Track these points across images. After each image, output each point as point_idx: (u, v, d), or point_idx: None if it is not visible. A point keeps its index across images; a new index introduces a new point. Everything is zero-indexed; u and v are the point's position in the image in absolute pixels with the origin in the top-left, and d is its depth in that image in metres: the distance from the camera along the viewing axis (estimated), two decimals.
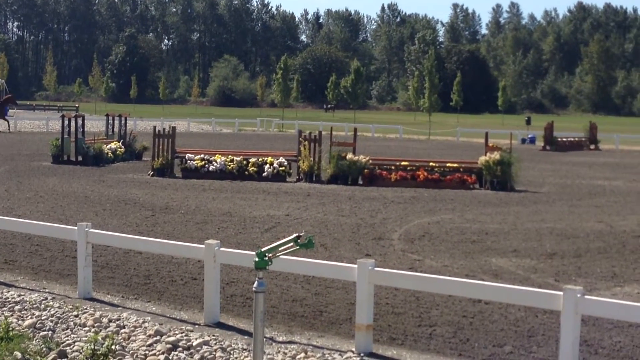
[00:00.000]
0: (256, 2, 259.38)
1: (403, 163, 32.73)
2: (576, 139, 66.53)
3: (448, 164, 32.56)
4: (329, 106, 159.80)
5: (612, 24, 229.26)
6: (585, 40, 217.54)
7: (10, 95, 72.46)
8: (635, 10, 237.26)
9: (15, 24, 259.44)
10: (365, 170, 31.72)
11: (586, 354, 10.40)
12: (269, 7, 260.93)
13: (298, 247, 8.72)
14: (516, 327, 11.69)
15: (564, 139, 64.92)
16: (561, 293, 9.23)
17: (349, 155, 32.03)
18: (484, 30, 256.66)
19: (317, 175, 32.22)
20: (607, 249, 18.52)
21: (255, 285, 8.60)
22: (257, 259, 8.76)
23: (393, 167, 32.18)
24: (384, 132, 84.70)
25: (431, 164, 32.56)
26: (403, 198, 27.49)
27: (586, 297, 9.19)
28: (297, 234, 8.77)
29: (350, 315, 11.82)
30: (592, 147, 64.88)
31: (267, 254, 8.77)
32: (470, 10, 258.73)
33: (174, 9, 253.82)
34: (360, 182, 31.66)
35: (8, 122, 67.01)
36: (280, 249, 8.83)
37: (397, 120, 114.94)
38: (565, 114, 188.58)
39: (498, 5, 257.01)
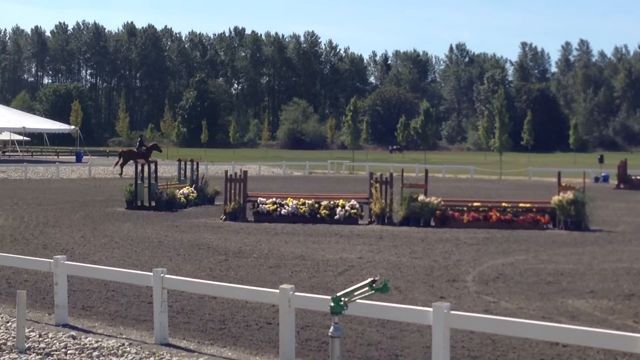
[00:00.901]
0: (324, 44, 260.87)
1: (475, 204, 32.55)
2: None
3: (520, 204, 32.30)
4: (395, 147, 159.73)
5: None
6: None
7: (155, 143, 75.99)
8: None
9: (89, 71, 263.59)
10: (437, 212, 31.60)
11: None
12: (337, 50, 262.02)
13: (373, 291, 8.72)
14: None
15: (639, 177, 64.07)
16: (639, 335, 9.11)
17: (421, 197, 31.95)
18: (553, 68, 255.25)
19: (389, 217, 32.15)
20: None
21: (331, 330, 8.61)
22: (332, 304, 8.78)
23: (465, 208, 32.01)
24: (455, 172, 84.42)
25: (503, 204, 32.33)
26: (476, 239, 27.33)
27: None
28: (372, 279, 8.77)
29: (426, 358, 11.76)
30: None
31: (342, 299, 8.78)
32: (539, 49, 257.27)
33: (243, 54, 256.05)
34: (433, 223, 31.54)
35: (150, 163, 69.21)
36: (355, 293, 8.84)
37: (467, 160, 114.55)
38: (639, 151, 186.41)
39: (567, 43, 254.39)
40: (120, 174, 68.24)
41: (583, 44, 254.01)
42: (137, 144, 71.13)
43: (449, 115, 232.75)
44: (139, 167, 38.71)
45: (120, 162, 69.06)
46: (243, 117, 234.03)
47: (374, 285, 8.77)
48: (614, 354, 12.14)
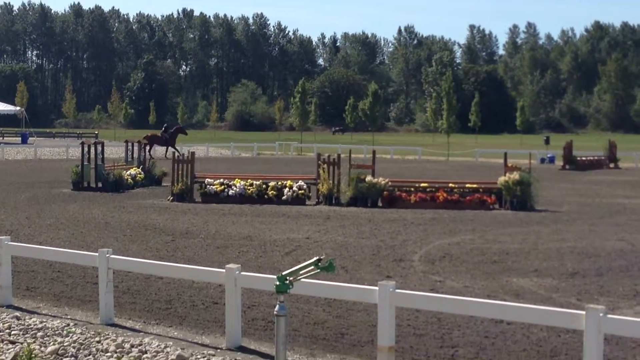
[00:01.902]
0: (273, 26, 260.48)
1: (422, 184, 32.68)
2: (595, 157, 66.32)
3: (467, 185, 32.50)
4: (337, 129, 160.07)
5: (629, 42, 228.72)
6: (602, 59, 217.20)
7: (180, 125, 76.36)
8: None
9: (35, 52, 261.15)
10: (385, 192, 31.70)
11: None
12: (286, 32, 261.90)
13: (319, 270, 8.72)
14: (538, 347, 11.65)
15: (584, 158, 64.72)
16: (584, 312, 9.20)
17: (368, 178, 32.01)
18: (501, 51, 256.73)
19: (337, 197, 32.20)
20: (629, 267, 18.45)
21: (276, 309, 8.61)
22: (278, 283, 8.77)
23: (412, 189, 32.13)
24: (403, 153, 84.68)
25: (450, 185, 32.51)
26: (423, 219, 27.46)
27: (609, 316, 9.16)
28: (318, 257, 8.78)
29: (372, 337, 11.81)
30: (612, 165, 64.66)
31: (288, 278, 8.78)
32: (487, 32, 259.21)
33: (192, 35, 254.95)
34: (380, 204, 31.64)
35: (177, 149, 69.33)
36: (301, 272, 8.84)
37: (415, 141, 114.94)
38: (584, 133, 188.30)
39: (515, 26, 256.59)
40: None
41: (530, 26, 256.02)
42: (163, 129, 71.51)
43: (397, 97, 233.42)
44: (85, 148, 38.41)
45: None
46: (191, 99, 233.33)
47: (319, 264, 8.77)
48: (557, 330, 12.26)
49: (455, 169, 60.38)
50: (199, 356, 10.91)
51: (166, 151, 69.37)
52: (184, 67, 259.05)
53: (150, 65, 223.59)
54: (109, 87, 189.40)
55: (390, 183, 32.23)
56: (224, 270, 11.92)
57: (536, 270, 17.86)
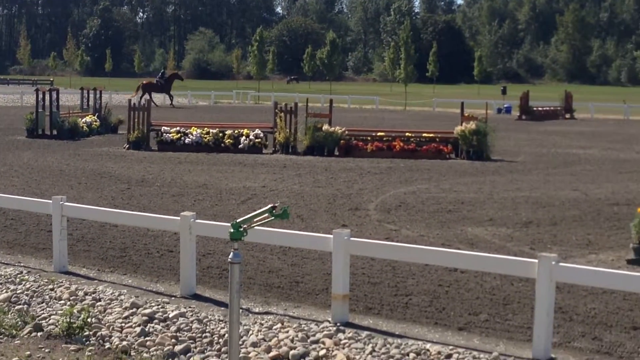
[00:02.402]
0: None
1: (379, 134, 32.73)
2: (552, 108, 66.71)
3: (424, 134, 32.58)
4: (292, 78, 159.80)
5: None
6: (560, 10, 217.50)
7: (176, 71, 76.71)
8: None
9: None
10: (342, 141, 31.71)
11: (561, 320, 10.45)
12: None
13: (273, 217, 8.70)
14: (492, 295, 11.73)
15: (540, 109, 65.07)
16: (536, 261, 9.26)
17: (325, 127, 31.99)
18: (459, 1, 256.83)
19: (293, 146, 32.18)
20: (582, 217, 18.60)
21: (230, 256, 8.57)
22: (232, 230, 8.74)
23: (369, 138, 32.17)
24: (360, 103, 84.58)
25: (407, 134, 32.57)
26: (379, 168, 27.51)
27: (561, 264, 9.23)
28: (272, 205, 8.75)
29: (326, 285, 11.83)
30: (568, 116, 65.07)
31: (242, 225, 8.75)
32: None
33: None
34: (337, 153, 31.66)
35: (172, 97, 71.44)
36: (255, 219, 8.81)
37: (373, 91, 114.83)
38: (541, 83, 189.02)
39: None
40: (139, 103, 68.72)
41: None
42: (159, 75, 71.83)
43: (355, 46, 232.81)
44: (40, 95, 38.03)
45: (140, 94, 68.23)
46: (148, 47, 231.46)
47: (274, 211, 8.73)
48: (510, 279, 12.35)
49: (413, 118, 60.47)
50: (153, 304, 10.88)
51: (170, 99, 71.07)
52: (140, 14, 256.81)
53: (106, 12, 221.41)
54: (65, 34, 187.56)
55: (347, 132, 32.25)
56: (178, 218, 11.87)
57: (491, 220, 17.97)
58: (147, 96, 65.85)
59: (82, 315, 9.89)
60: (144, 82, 72.42)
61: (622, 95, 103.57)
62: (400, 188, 22.87)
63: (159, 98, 73.31)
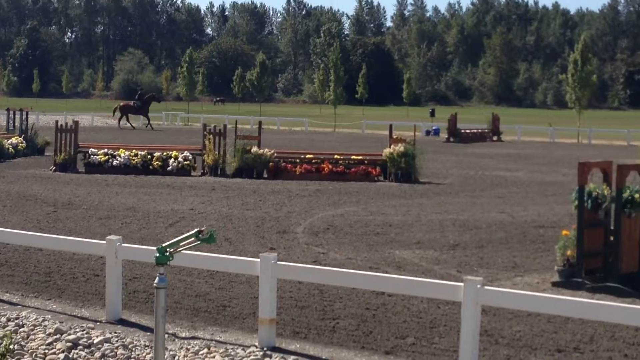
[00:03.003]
0: None
1: (308, 156, 32.78)
2: (479, 130, 67.32)
3: (353, 157, 32.70)
4: (218, 99, 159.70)
5: (514, 16, 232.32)
6: (488, 33, 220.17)
7: (154, 93, 76.82)
8: (536, 3, 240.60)
9: None
10: (270, 164, 31.69)
11: (487, 343, 10.52)
12: (174, 0, 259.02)
13: (199, 242, 8.66)
14: (418, 319, 11.78)
15: (467, 131, 65.63)
16: (462, 284, 9.33)
17: (254, 149, 31.97)
18: (389, 23, 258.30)
19: (222, 169, 32.11)
20: (508, 239, 18.79)
21: (156, 281, 8.53)
22: (157, 255, 8.69)
23: (298, 160, 32.21)
24: (290, 125, 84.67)
25: (336, 156, 32.66)
26: (308, 191, 27.54)
27: (486, 287, 9.31)
28: (198, 229, 8.72)
29: (254, 309, 11.79)
30: (495, 138, 65.70)
31: (168, 249, 8.70)
32: (375, 3, 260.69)
33: (77, 2, 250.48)
34: (265, 175, 31.64)
35: (149, 119, 70.98)
36: (181, 244, 8.76)
37: (302, 113, 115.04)
38: (469, 105, 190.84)
39: None
40: (119, 126, 70.18)
41: None
42: (136, 97, 71.63)
43: (285, 67, 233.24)
44: None
45: (117, 116, 70.72)
46: (77, 67, 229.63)
47: (200, 235, 8.70)
48: (437, 302, 12.41)
49: (342, 140, 60.68)
50: (77, 329, 10.76)
51: (148, 120, 70.91)
52: (69, 34, 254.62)
53: (34, 32, 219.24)
54: None
55: (275, 154, 32.26)
56: (104, 242, 11.77)
57: (418, 242, 18.07)
58: (118, 115, 68.65)
59: (4, 342, 9.73)
60: (121, 104, 73.69)
61: (548, 117, 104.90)
62: (329, 211, 22.91)
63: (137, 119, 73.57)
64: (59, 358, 9.68)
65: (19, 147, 39.20)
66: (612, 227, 14.25)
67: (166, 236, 17.43)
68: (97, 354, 9.80)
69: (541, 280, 14.53)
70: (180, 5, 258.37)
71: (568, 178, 32.80)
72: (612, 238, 14.20)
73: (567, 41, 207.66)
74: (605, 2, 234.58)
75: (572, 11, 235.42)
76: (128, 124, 70.50)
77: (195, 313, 11.98)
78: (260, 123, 35.81)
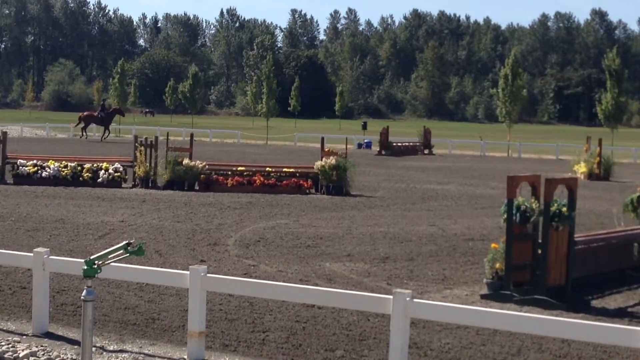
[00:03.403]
0: (93, 5, 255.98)
1: (240, 168, 32.72)
2: (411, 143, 67.71)
3: (284, 169, 32.72)
4: (147, 111, 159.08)
5: (446, 31, 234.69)
6: (420, 47, 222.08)
7: (119, 107, 75.78)
8: (468, 17, 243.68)
9: None
10: (202, 176, 31.58)
11: (416, 356, 10.58)
12: (106, 11, 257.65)
13: (128, 254, 8.61)
14: (348, 331, 11.81)
15: (399, 144, 65.96)
16: (391, 297, 9.37)
17: (186, 161, 31.83)
18: (322, 36, 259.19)
19: (153, 181, 31.92)
20: (438, 252, 18.91)
21: (84, 293, 8.46)
22: (85, 267, 8.62)
23: (230, 173, 32.13)
24: (222, 137, 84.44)
25: (268, 169, 32.65)
26: (239, 203, 27.48)
27: (415, 300, 9.36)
28: (127, 241, 8.67)
29: (183, 322, 11.73)
30: (426, 151, 66.11)
31: (96, 262, 8.64)
32: (308, 16, 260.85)
33: (7, 11, 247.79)
34: (197, 187, 31.52)
35: (109, 132, 70.26)
36: (110, 256, 8.71)
37: (235, 125, 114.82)
38: (401, 119, 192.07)
39: (336, 11, 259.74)
40: (81, 136, 69.89)
41: (351, 12, 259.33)
42: (100, 108, 71.03)
43: (218, 80, 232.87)
44: None
45: (81, 125, 70.30)
46: (6, 77, 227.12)
47: (129, 248, 8.66)
48: (367, 315, 12.45)
49: (274, 153, 60.67)
50: (3, 343, 10.62)
51: (105, 133, 70.08)
52: None
53: None
54: None
55: (207, 166, 32.15)
56: (31, 254, 11.63)
57: (349, 255, 18.11)
58: (82, 125, 68.92)
59: None
60: (85, 113, 73.23)
61: (479, 131, 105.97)
62: (260, 223, 22.89)
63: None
64: None
65: None
66: (540, 240, 14.41)
67: (95, 248, 17.26)
68: None
69: (470, 293, 14.65)
70: (113, 16, 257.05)
71: (498, 191, 33.14)
72: (539, 251, 14.35)
73: (498, 56, 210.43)
74: (535, 18, 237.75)
75: (503, 26, 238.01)
76: (85, 134, 70.06)
77: (124, 326, 11.88)
78: (192, 135, 35.63)
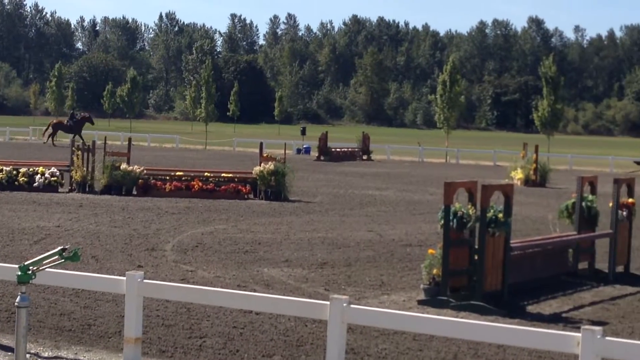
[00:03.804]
0: (30, 7, 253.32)
1: (178, 173, 32.61)
2: (349, 149, 67.87)
3: (223, 174, 32.65)
4: (73, 114, 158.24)
5: (385, 37, 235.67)
6: (359, 53, 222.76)
7: (88, 115, 74.11)
8: (407, 24, 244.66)
9: None
10: (140, 181, 31.40)
11: None
12: (44, 13, 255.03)
13: (63, 260, 8.55)
14: (286, 337, 11.81)
15: (338, 150, 66.10)
16: (328, 303, 9.37)
17: (123, 165, 31.64)
18: (261, 41, 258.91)
19: (91, 185, 31.68)
20: (376, 257, 18.98)
21: (18, 300, 8.38)
22: (19, 273, 8.54)
23: (168, 177, 31.98)
24: (161, 141, 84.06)
25: (206, 174, 32.57)
26: (177, 208, 27.37)
27: (352, 306, 9.36)
28: (62, 247, 8.61)
29: (119, 328, 11.65)
30: (365, 157, 66.25)
31: (30, 268, 8.56)
32: (248, 21, 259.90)
33: None
34: (135, 192, 31.33)
35: (82, 138, 67.55)
36: (45, 262, 8.64)
37: (174, 129, 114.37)
38: (340, 124, 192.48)
39: (275, 17, 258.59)
40: (52, 143, 68.03)
41: (290, 17, 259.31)
42: (69, 116, 70.32)
43: (157, 84, 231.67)
44: None
45: (49, 132, 69.57)
46: None
47: (64, 253, 8.60)
48: (304, 320, 12.46)
49: (213, 158, 60.49)
50: None
51: (72, 139, 68.01)
52: None
53: None
54: None
55: (145, 171, 31.99)
56: None
57: (287, 260, 18.12)
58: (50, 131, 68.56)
59: None
60: (55, 121, 72.84)
61: (417, 137, 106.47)
62: (198, 228, 22.81)
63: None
64: None
65: None
66: (476, 246, 14.53)
67: (31, 254, 17.09)
68: None
69: (407, 299, 14.72)
70: (50, 19, 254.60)
71: (435, 197, 33.32)
72: (476, 257, 14.47)
73: (437, 62, 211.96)
74: (473, 25, 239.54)
75: (442, 33, 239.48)
76: (51, 141, 69.11)
77: (59, 332, 11.78)
78: (130, 139, 35.50)
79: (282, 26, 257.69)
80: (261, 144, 35.95)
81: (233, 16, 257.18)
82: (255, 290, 14.33)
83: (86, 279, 11.35)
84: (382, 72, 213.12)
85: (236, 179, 32.10)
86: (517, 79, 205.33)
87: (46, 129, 71.39)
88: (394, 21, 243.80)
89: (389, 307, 13.58)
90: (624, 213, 18.10)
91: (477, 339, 9.94)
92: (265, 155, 33.33)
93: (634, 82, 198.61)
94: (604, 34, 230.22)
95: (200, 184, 31.41)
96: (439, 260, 14.43)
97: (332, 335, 9.31)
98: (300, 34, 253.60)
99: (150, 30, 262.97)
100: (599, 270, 17.70)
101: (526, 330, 8.98)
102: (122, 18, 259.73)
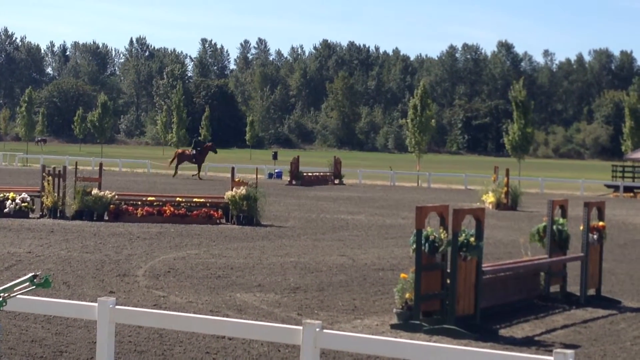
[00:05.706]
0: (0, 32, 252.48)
1: (150, 198, 32.50)
2: (321, 173, 67.89)
3: (195, 199, 32.58)
4: (39, 139, 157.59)
5: (355, 61, 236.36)
6: (330, 77, 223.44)
7: (210, 143, 72.68)
8: (377, 48, 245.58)
9: None
10: (111, 206, 31.29)
11: None
12: (13, 38, 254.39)
13: (34, 286, 8.50)
14: None
15: (310, 174, 66.11)
16: (300, 328, 9.36)
17: (95, 191, 31.51)
18: (232, 66, 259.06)
19: (62, 211, 31.51)
20: (348, 282, 18.99)
21: None
22: None
23: (139, 203, 31.88)
24: (132, 166, 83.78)
25: (178, 199, 32.49)
26: (149, 234, 27.29)
27: (325, 331, 9.36)
28: (33, 273, 8.56)
29: (91, 354, 11.60)
30: (337, 181, 66.27)
31: (1, 294, 8.51)
32: (218, 46, 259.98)
33: None
34: (106, 217, 31.21)
35: (200, 169, 68.09)
36: (15, 288, 8.58)
37: (145, 154, 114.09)
38: (312, 149, 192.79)
39: (246, 41, 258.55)
40: (174, 174, 66.74)
41: (261, 42, 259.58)
42: (192, 144, 69.84)
43: (127, 109, 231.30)
44: None
45: (175, 163, 68.01)
46: None
47: (35, 280, 8.55)
48: (277, 345, 12.44)
49: (184, 183, 60.30)
50: None
51: (198, 171, 68.16)
52: None
53: None
54: None
55: (117, 196, 31.88)
56: None
57: (260, 285, 18.09)
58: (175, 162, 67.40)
59: None
60: (179, 151, 71.93)
61: (388, 161, 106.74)
62: (170, 253, 22.75)
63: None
64: None
65: None
66: (448, 270, 14.56)
67: (1, 280, 16.98)
68: None
69: (380, 323, 14.73)
70: (20, 44, 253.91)
71: (407, 221, 33.38)
72: (448, 281, 14.50)
73: (408, 86, 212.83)
74: (443, 50, 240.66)
75: (412, 57, 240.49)
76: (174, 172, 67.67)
77: (31, 359, 11.70)
78: (101, 165, 35.35)
79: (253, 51, 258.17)
80: (233, 168, 35.92)
81: (204, 41, 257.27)
82: (227, 316, 14.30)
83: (58, 305, 11.28)
84: (353, 97, 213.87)
85: (208, 204, 32.05)
86: (487, 103, 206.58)
87: (172, 160, 69.36)
88: (364, 46, 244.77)
89: (362, 332, 13.59)
90: (595, 236, 18.21)
91: None
92: (237, 180, 33.30)
93: (603, 105, 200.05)
94: (572, 58, 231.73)
95: (172, 209, 31.34)
96: (412, 284, 14.45)
97: (305, 359, 9.29)
98: (271, 58, 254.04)
99: (121, 55, 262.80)
100: (571, 294, 17.80)
101: (499, 355, 9.00)
102: (92, 43, 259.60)
